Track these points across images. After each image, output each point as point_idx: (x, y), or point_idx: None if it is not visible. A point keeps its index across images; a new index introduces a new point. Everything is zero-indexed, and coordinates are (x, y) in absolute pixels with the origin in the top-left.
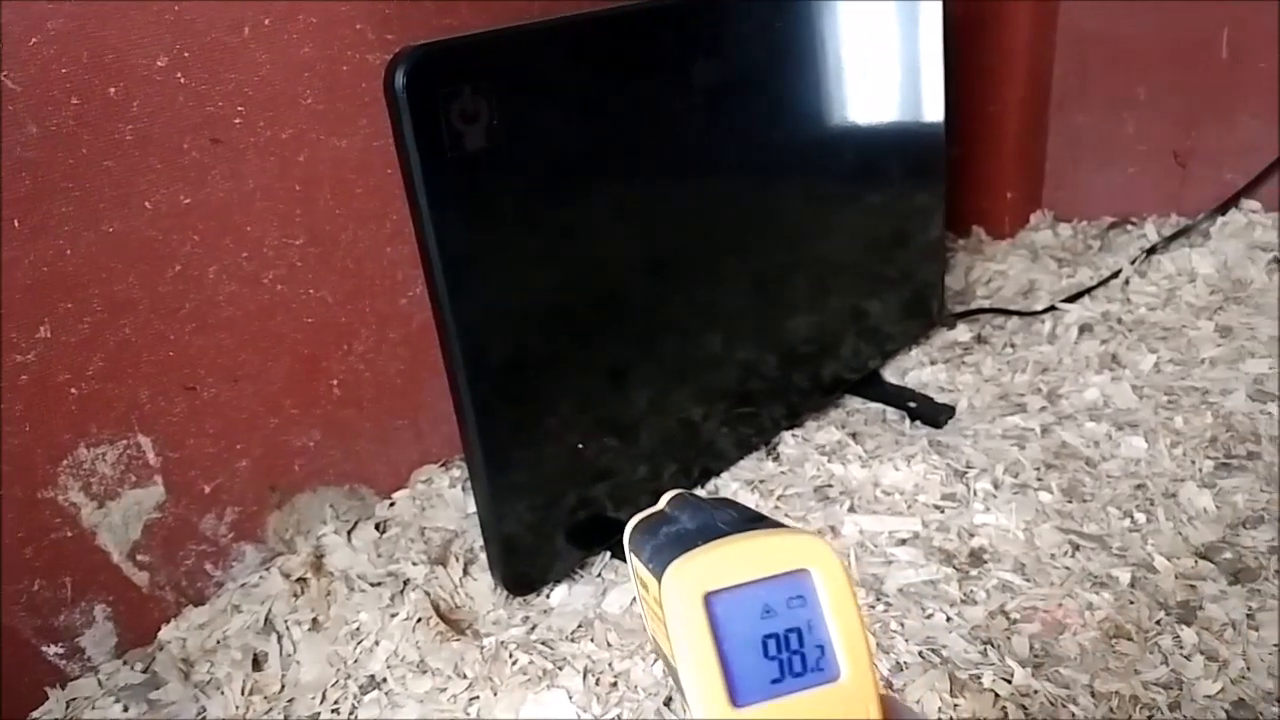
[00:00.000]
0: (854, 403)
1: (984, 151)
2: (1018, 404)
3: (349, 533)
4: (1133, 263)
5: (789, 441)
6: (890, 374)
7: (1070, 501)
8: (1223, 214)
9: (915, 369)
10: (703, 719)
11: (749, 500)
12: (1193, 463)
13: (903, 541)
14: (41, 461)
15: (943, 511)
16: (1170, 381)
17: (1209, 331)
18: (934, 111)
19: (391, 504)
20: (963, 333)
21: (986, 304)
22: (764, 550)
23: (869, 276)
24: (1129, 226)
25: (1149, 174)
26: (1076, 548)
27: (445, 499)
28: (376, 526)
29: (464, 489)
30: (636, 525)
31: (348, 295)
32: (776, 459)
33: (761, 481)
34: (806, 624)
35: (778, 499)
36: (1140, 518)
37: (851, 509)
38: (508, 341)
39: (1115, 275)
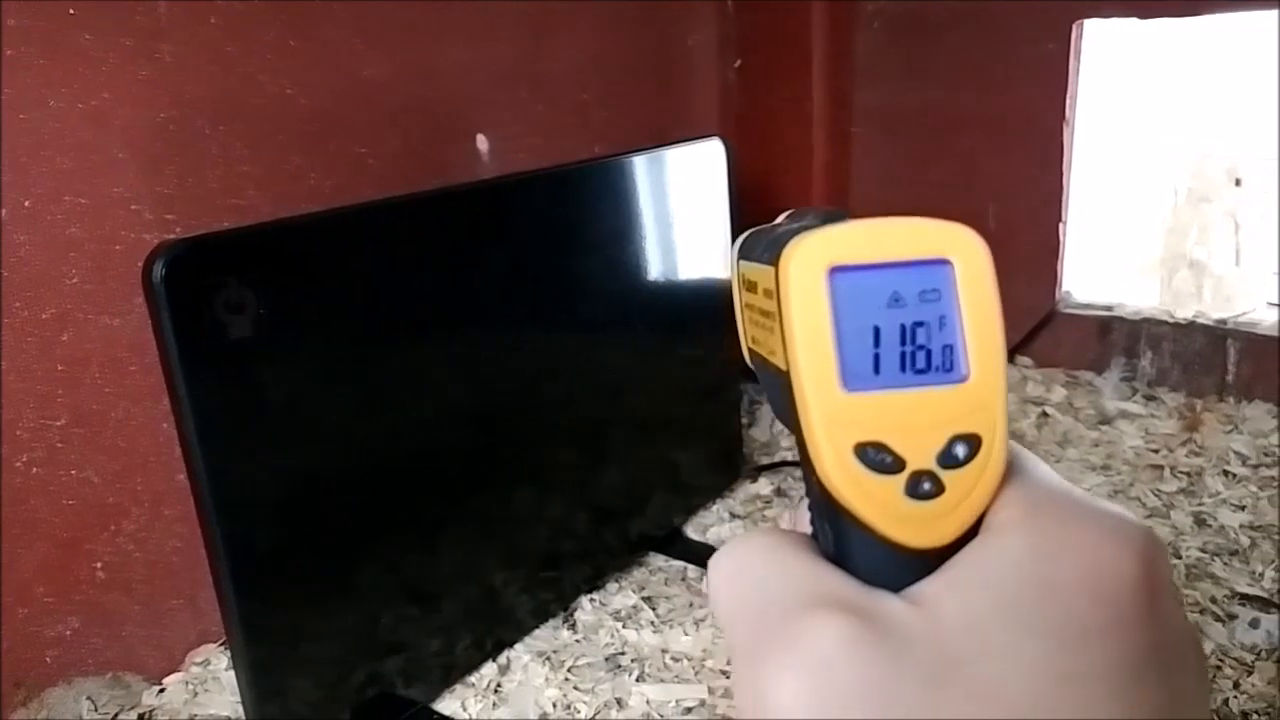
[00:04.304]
0: (658, 560)
1: None
2: None
3: None
4: None
5: (586, 607)
6: (693, 530)
7: None
8: None
9: (716, 525)
10: (808, 397)
11: (540, 673)
12: None
13: (689, 710)
14: None
15: (728, 677)
16: None
17: None
18: (721, 267)
19: (162, 690)
20: (764, 486)
21: (790, 455)
22: (901, 232)
23: (671, 431)
24: None
25: None
26: None
27: (221, 682)
28: (141, 717)
29: None
30: (749, 235)
31: (117, 474)
32: (573, 627)
33: (554, 652)
34: (938, 319)
35: (568, 670)
36: None
37: (640, 678)
38: (277, 521)
39: None
